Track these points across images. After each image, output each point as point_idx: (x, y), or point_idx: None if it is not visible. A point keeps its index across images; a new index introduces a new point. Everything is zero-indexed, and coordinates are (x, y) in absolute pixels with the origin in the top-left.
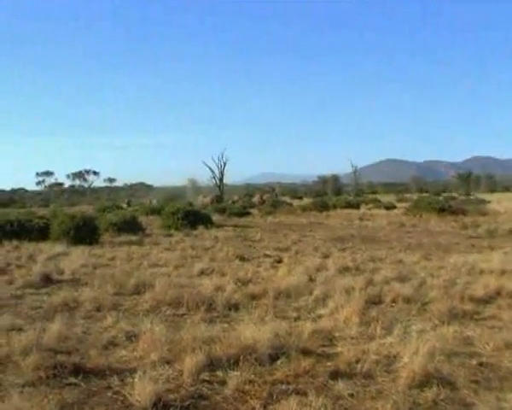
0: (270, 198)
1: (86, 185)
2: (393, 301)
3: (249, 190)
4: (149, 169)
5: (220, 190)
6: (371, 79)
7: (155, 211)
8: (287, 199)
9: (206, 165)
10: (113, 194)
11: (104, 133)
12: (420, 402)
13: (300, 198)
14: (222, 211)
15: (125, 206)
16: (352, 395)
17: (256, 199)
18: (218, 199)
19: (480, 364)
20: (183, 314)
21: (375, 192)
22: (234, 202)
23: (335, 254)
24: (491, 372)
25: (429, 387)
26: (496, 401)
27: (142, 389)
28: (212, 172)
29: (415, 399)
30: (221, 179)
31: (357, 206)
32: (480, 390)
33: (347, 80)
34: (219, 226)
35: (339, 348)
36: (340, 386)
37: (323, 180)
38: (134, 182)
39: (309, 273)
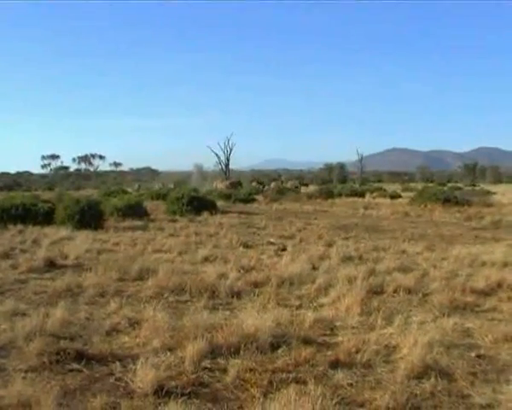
0: (277, 185)
1: (92, 169)
2: (395, 291)
3: (255, 176)
4: (155, 154)
5: (226, 176)
6: (378, 67)
7: (160, 196)
8: (293, 186)
9: (212, 150)
10: (118, 178)
11: (111, 115)
12: (417, 393)
13: (306, 185)
14: (227, 197)
15: (130, 190)
16: (351, 385)
17: (271, 186)
18: (235, 185)
19: (479, 356)
20: (186, 301)
21: (380, 181)
22: (263, 186)
23: (339, 243)
24: (489, 365)
25: (427, 378)
26: (492, 393)
27: (143, 376)
28: (218, 157)
29: (412, 390)
30: (227, 165)
31: (362, 194)
32: (477, 382)
33: (356, 69)
34: (224, 213)
35: (339, 338)
36: (340, 376)
37: (329, 168)
38: (140, 166)
39: (312, 262)
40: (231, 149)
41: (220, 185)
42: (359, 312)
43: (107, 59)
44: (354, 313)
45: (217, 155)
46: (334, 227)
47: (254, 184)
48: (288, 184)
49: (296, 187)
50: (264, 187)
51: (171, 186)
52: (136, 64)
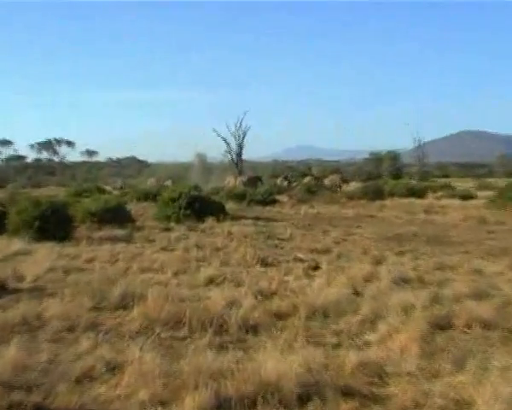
0: (310, 182)
1: (57, 160)
2: (467, 325)
3: (277, 168)
4: (143, 140)
5: (238, 169)
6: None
7: (150, 196)
8: (333, 184)
9: (220, 135)
10: (93, 172)
11: (84, 88)
12: None
13: (346, 181)
14: (239, 198)
15: (109, 188)
16: None
17: (304, 182)
18: (253, 181)
19: None
20: (185, 338)
21: (446, 175)
22: (288, 182)
23: (391, 260)
24: None
25: None
26: None
27: None
28: (228, 144)
29: None
30: (239, 154)
31: (421, 194)
32: None
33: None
34: (235, 218)
35: (391, 388)
36: None
37: (377, 158)
38: (122, 156)
39: (355, 285)
40: (244, 134)
41: (232, 181)
42: (418, 353)
43: None
44: (411, 354)
45: (226, 141)
46: (385, 238)
47: (280, 180)
48: (327, 181)
49: (338, 185)
50: (290, 184)
51: (169, 183)
52: None
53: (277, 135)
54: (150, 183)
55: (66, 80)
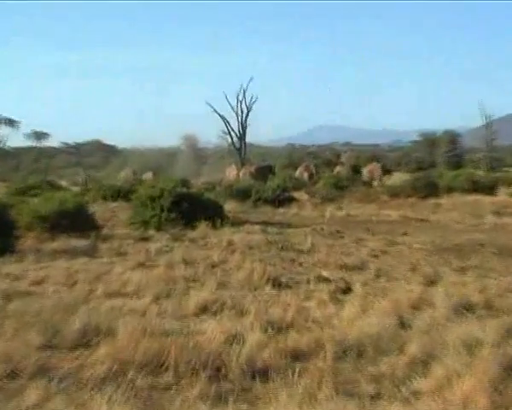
0: (342, 171)
1: None
2: None
3: (294, 155)
4: (109, 119)
5: (241, 156)
6: None
7: (121, 194)
8: (375, 177)
9: (215, 110)
10: (43, 160)
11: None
12: None
13: (388, 172)
14: (243, 195)
15: (65, 183)
16: None
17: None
18: (264, 173)
19: None
20: (169, 386)
21: None
22: (309, 176)
23: (448, 279)
24: None
25: None
26: None
27: None
28: (226, 122)
29: None
30: (242, 136)
31: (490, 189)
32: None
33: None
34: (238, 223)
35: None
36: None
37: (430, 141)
38: (82, 140)
39: (400, 313)
40: (249, 109)
41: (234, 173)
42: (487, 406)
43: None
44: (478, 407)
45: (224, 119)
46: (440, 249)
47: (299, 171)
48: (365, 172)
49: (378, 178)
50: (312, 177)
51: (149, 176)
52: None
53: (294, 111)
54: (125, 176)
55: None
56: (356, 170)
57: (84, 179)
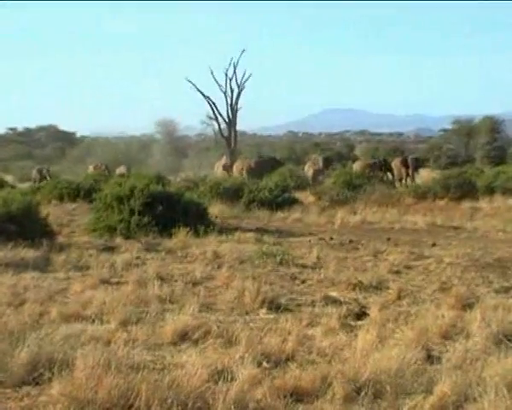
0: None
1: None
2: None
3: (296, 146)
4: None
5: (230, 146)
6: None
7: (81, 193)
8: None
9: (198, 89)
10: None
11: None
12: None
13: (418, 167)
14: (232, 196)
15: (11, 179)
16: None
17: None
18: (266, 166)
19: None
20: None
21: None
22: (315, 171)
23: (488, 301)
24: None
25: None
26: None
27: None
28: (212, 105)
29: None
30: (231, 122)
31: None
32: None
33: None
34: (226, 230)
35: None
36: None
37: (465, 129)
38: (34, 125)
39: (426, 344)
40: (241, 88)
41: (221, 169)
42: None
43: None
44: None
45: (209, 100)
46: (478, 264)
47: (308, 166)
48: (395, 168)
49: (406, 174)
50: (317, 174)
51: (123, 169)
52: None
53: (295, 92)
54: (93, 168)
55: None
56: (386, 165)
57: (45, 174)
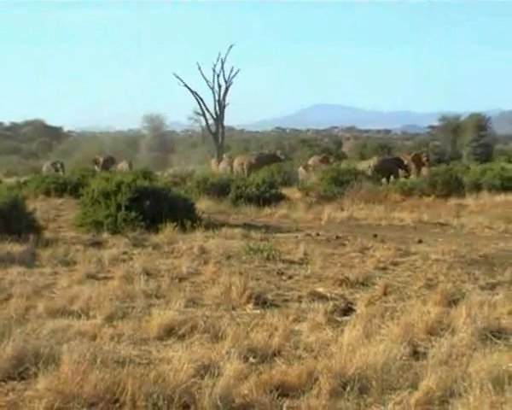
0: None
1: None
2: None
3: (283, 142)
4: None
5: (217, 142)
6: None
7: (68, 188)
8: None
9: (185, 85)
10: None
11: None
12: None
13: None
14: (220, 191)
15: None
16: None
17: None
18: (267, 162)
19: None
20: None
21: None
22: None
23: (474, 298)
24: None
25: None
26: None
27: None
28: (200, 100)
29: None
30: (219, 118)
31: None
32: None
33: None
34: (213, 226)
35: None
36: None
37: (452, 126)
38: (20, 121)
39: (412, 340)
40: (229, 84)
41: (223, 166)
42: None
43: None
44: None
45: (197, 95)
46: (464, 261)
47: (312, 161)
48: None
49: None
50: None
51: (125, 166)
52: None
53: (283, 88)
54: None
55: None
56: (404, 164)
57: (58, 167)
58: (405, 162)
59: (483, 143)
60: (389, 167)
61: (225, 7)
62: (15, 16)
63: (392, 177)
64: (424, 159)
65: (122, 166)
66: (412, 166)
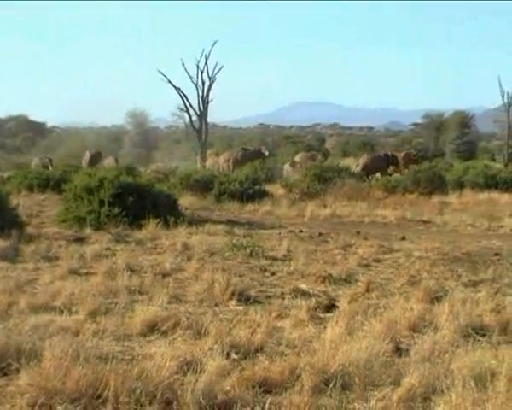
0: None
1: None
2: None
3: (266, 139)
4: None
5: (201, 138)
6: None
7: (50, 183)
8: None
9: (169, 81)
10: None
11: None
12: None
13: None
14: (203, 187)
15: None
16: None
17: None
18: (252, 159)
19: None
20: None
21: None
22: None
23: (456, 295)
24: None
25: None
26: None
27: None
28: (183, 97)
29: None
30: (202, 114)
31: (511, 185)
32: None
33: None
34: (197, 222)
35: None
36: None
37: (435, 123)
38: (4, 116)
39: (395, 336)
40: (212, 80)
41: (211, 162)
42: None
43: None
44: None
45: (180, 91)
46: (446, 258)
47: (299, 158)
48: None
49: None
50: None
51: (112, 161)
52: None
53: (262, 84)
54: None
55: None
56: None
57: (47, 163)
58: (398, 158)
59: (466, 141)
60: (378, 165)
61: (210, 4)
62: None
63: (378, 174)
64: (414, 158)
65: (109, 161)
66: (402, 163)
